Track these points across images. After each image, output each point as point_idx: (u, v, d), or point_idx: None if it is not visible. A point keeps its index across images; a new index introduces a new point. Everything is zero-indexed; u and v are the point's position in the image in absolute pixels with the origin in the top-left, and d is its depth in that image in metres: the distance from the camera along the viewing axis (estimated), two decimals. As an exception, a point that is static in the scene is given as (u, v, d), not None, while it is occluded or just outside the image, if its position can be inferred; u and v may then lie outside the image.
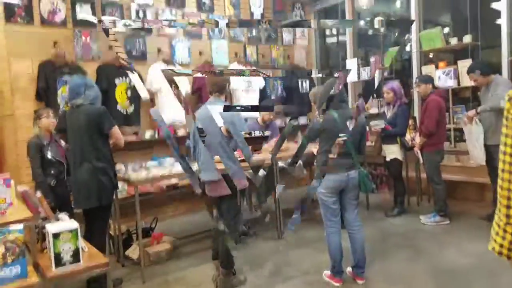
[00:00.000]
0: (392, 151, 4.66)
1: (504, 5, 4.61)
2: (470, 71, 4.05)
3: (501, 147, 0.80)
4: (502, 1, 4.63)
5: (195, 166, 3.00)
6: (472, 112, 4.01)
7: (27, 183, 3.86)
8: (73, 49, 4.56)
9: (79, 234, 2.11)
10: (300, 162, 4.97)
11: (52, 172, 3.44)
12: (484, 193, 4.89)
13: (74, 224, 2.15)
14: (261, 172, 4.68)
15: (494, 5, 4.82)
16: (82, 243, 2.30)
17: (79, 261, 2.11)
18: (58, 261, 2.05)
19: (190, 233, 4.35)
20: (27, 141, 3.43)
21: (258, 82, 6.02)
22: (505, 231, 0.80)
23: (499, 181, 0.82)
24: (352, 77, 6.05)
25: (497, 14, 4.73)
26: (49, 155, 3.41)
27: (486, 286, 2.89)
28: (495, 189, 3.47)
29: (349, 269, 3.14)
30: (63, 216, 2.39)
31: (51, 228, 2.07)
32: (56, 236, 2.03)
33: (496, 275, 3.03)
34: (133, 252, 3.63)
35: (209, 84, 3.06)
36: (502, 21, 4.64)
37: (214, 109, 2.88)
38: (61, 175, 3.51)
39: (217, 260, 3.07)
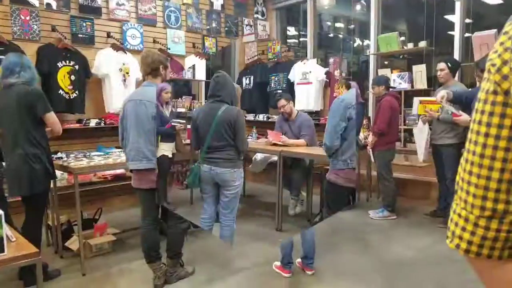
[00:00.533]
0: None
1: (457, 17, 4.85)
2: (442, 60, 4.16)
3: (478, 128, 0.64)
4: (456, 14, 4.86)
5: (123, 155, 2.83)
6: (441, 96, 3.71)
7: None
8: (10, 27, 4.21)
9: (2, 221, 1.89)
10: (264, 156, 4.91)
11: None
12: (430, 191, 5.08)
13: (-3, 209, 1.93)
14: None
15: (448, 17, 5.07)
16: (8, 231, 2.08)
17: (3, 250, 1.89)
18: (-22, 250, 1.83)
19: (137, 226, 4.13)
20: None
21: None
22: (476, 225, 0.65)
23: (472, 168, 0.66)
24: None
25: (450, 23, 4.97)
26: None
27: (429, 276, 2.98)
28: (442, 186, 3.53)
29: (298, 260, 3.12)
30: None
31: (-30, 213, 1.84)
32: (-25, 221, 1.81)
33: (438, 266, 3.14)
34: (73, 243, 3.40)
35: (143, 66, 2.83)
36: (456, 30, 4.87)
37: (146, 92, 2.75)
38: None
39: (152, 263, 2.89)
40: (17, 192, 2.81)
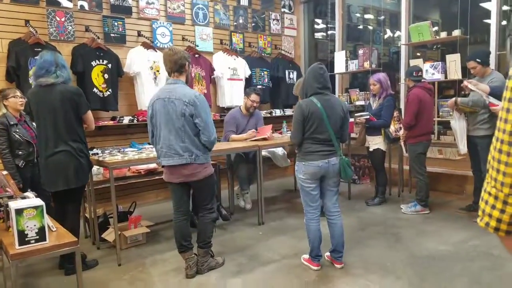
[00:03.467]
0: (375, 142, 4.66)
1: (494, 5, 4.64)
2: (470, 58, 3.96)
3: (506, 116, 0.70)
4: (492, 1, 4.66)
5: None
6: (451, 103, 3.97)
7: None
8: (47, 28, 4.42)
9: (44, 211, 2.02)
10: (284, 152, 4.97)
11: (20, 153, 3.34)
12: (465, 185, 4.93)
13: (38, 201, 2.05)
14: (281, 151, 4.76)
15: (484, 4, 4.86)
16: (50, 222, 2.21)
17: (45, 239, 2.02)
18: (22, 239, 1.96)
19: (170, 219, 4.25)
20: None
21: (244, 71, 5.95)
22: (505, 203, 0.68)
23: (502, 147, 0.70)
24: (339, 69, 6.04)
25: (486, 11, 4.76)
26: (16, 135, 3.30)
27: (462, 272, 2.90)
28: (477, 179, 3.46)
29: (327, 253, 3.12)
30: (29, 194, 2.30)
31: (14, 205, 1.97)
32: (19, 212, 1.94)
33: (471, 261, 3.05)
34: (109, 235, 3.56)
35: (167, 63, 2.84)
36: (492, 18, 4.66)
37: (174, 90, 2.80)
38: (29, 157, 3.40)
39: (184, 252, 2.98)
40: (63, 185, 2.93)
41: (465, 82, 3.74)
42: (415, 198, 4.37)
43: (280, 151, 4.88)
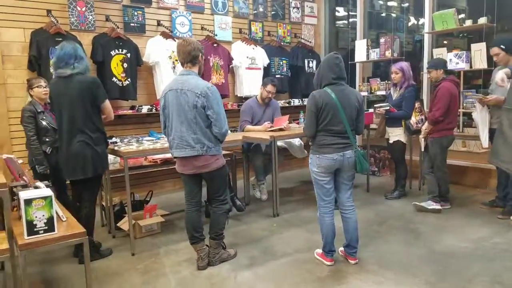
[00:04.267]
0: (396, 134, 4.52)
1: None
2: (494, 44, 3.78)
3: None
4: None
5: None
6: (479, 98, 3.84)
7: (18, 151, 3.88)
8: (68, 18, 4.46)
9: (53, 202, 2.04)
10: (301, 142, 4.90)
11: (47, 140, 3.42)
12: (489, 179, 4.73)
13: (47, 191, 2.08)
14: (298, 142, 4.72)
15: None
16: (60, 211, 2.24)
17: (53, 230, 2.05)
18: (31, 229, 1.99)
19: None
20: (22, 108, 3.41)
21: (262, 60, 5.87)
22: None
23: None
24: (360, 58, 5.88)
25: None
26: (44, 122, 3.39)
27: (483, 271, 2.78)
28: (500, 175, 3.31)
29: (341, 248, 3.06)
30: (40, 184, 2.33)
31: (23, 194, 2.00)
32: (28, 202, 1.96)
33: (493, 260, 2.93)
34: (125, 224, 3.60)
35: (180, 54, 2.81)
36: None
37: (186, 82, 2.76)
38: (56, 143, 3.47)
39: (195, 244, 2.99)
40: (82, 174, 2.98)
41: (499, 82, 3.50)
42: (432, 196, 4.15)
43: (297, 141, 4.81)
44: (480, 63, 4.45)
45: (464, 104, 4.74)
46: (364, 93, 5.73)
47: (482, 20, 4.50)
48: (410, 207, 4.22)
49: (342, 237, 2.99)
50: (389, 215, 4.07)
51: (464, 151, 4.88)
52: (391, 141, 4.59)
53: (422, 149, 4.30)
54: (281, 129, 4.28)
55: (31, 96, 3.46)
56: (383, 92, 5.53)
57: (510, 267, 2.81)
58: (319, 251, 3.05)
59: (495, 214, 3.89)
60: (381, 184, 5.30)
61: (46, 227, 2.01)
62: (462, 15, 5.01)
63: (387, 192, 4.75)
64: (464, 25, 4.78)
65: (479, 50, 4.47)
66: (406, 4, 6.13)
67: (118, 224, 3.66)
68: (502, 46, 3.67)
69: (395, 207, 4.32)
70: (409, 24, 6.36)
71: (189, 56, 2.79)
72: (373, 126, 5.03)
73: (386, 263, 2.95)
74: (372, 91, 5.72)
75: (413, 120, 4.34)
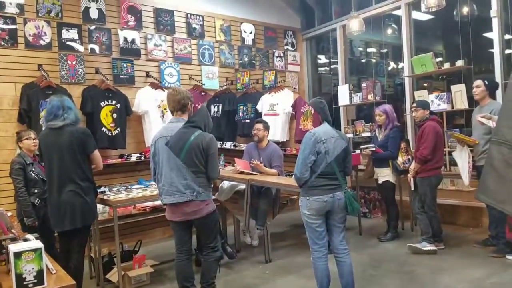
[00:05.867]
0: (384, 174, 4.57)
1: (496, 34, 4.69)
2: (479, 78, 4.08)
3: None
4: (494, 30, 4.70)
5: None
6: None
7: (6, 204, 3.80)
8: (58, 71, 4.56)
9: (43, 254, 1.98)
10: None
11: (36, 191, 3.40)
12: (481, 218, 4.75)
13: (37, 243, 2.02)
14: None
15: (486, 34, 4.88)
16: (49, 264, 2.17)
17: (43, 283, 1.97)
18: (20, 283, 1.91)
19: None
20: (11, 160, 3.41)
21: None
22: None
23: None
24: (344, 102, 6.07)
25: (489, 40, 4.79)
26: (33, 174, 3.38)
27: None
28: (490, 213, 3.31)
29: (337, 294, 2.98)
30: (29, 236, 2.28)
31: (13, 248, 1.94)
32: (17, 255, 1.90)
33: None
34: (113, 275, 3.48)
35: (170, 103, 2.92)
36: (495, 47, 4.69)
37: (176, 129, 2.82)
38: (44, 195, 3.43)
39: None
40: (69, 224, 2.93)
41: (479, 118, 3.66)
42: (426, 237, 4.09)
43: (225, 184, 4.49)
44: (461, 103, 4.62)
45: (449, 144, 4.88)
46: (350, 135, 5.85)
47: (460, 63, 4.74)
48: (404, 249, 4.18)
49: (338, 282, 2.93)
50: (384, 258, 4.02)
51: (454, 190, 4.92)
52: (380, 182, 4.63)
53: (412, 189, 4.32)
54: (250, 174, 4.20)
55: (20, 148, 3.48)
56: (368, 134, 5.65)
57: (509, 306, 2.78)
58: (315, 297, 2.97)
59: (488, 253, 3.88)
60: (373, 226, 5.27)
61: (36, 280, 1.94)
62: (440, 58, 5.27)
63: (379, 234, 4.72)
64: (442, 67, 5.01)
65: (459, 91, 4.65)
66: (385, 50, 6.45)
67: (107, 276, 3.54)
68: (485, 82, 3.99)
69: (389, 250, 4.28)
70: (389, 68, 6.64)
71: (178, 105, 2.88)
72: (361, 167, 5.09)
73: (384, 308, 2.88)
74: (357, 133, 5.85)
75: (400, 160, 4.42)
